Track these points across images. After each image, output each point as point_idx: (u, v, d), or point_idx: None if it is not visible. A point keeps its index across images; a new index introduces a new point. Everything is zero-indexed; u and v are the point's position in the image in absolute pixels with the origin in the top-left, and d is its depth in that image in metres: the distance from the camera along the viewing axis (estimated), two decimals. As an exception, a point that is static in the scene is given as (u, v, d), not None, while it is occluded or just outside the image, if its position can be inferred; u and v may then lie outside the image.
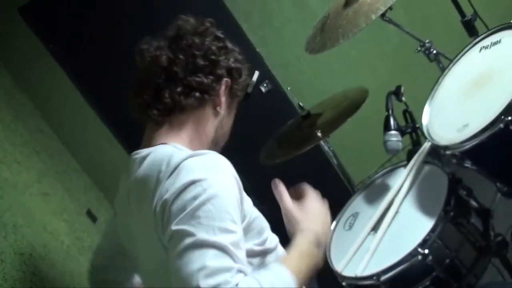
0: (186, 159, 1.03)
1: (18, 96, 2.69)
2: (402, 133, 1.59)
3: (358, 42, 3.23)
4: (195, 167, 1.01)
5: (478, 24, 1.89)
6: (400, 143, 1.58)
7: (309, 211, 1.19)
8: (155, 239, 1.03)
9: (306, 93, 3.19)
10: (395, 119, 1.60)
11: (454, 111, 1.42)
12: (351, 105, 1.89)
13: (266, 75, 3.08)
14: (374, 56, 3.34)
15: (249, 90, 2.98)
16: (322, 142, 2.06)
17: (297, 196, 1.24)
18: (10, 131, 2.14)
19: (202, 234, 0.92)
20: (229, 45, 1.24)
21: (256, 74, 3.00)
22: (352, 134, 3.22)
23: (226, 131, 1.27)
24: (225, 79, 1.20)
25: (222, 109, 1.21)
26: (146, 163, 1.09)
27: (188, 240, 0.92)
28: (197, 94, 1.15)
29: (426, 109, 1.50)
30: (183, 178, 0.99)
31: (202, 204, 0.95)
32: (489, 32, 1.50)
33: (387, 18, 1.86)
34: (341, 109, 1.95)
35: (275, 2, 3.19)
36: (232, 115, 1.28)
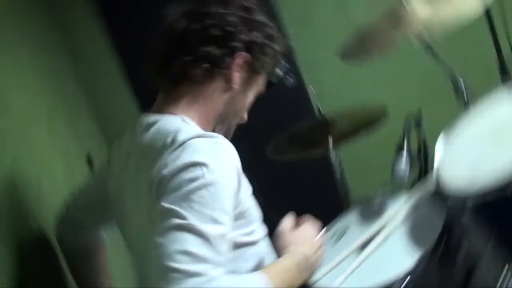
0: (193, 138, 1.00)
1: (52, 32, 2.70)
2: (413, 161, 1.58)
3: (391, 61, 3.21)
4: (200, 149, 0.99)
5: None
6: (408, 172, 1.57)
7: (303, 235, 1.17)
8: (144, 209, 1.02)
9: (328, 97, 3.16)
10: (409, 146, 1.59)
11: (469, 159, 1.37)
12: (368, 121, 1.88)
13: (293, 70, 3.06)
14: (402, 77, 3.29)
15: (274, 80, 2.98)
16: (332, 152, 2.05)
17: (297, 223, 1.22)
18: (35, 60, 2.14)
19: (192, 219, 0.90)
20: (259, 18, 1.16)
21: (285, 67, 2.98)
22: (362, 147, 3.21)
23: (239, 109, 1.21)
24: (241, 52, 1.13)
25: (235, 84, 1.15)
26: (152, 130, 1.08)
27: (177, 221, 0.90)
28: (206, 65, 1.11)
29: (441, 144, 1.47)
30: (185, 157, 0.97)
31: (199, 188, 0.93)
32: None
33: (425, 43, 1.84)
34: (358, 122, 1.94)
35: (320, 1, 3.16)
36: (249, 93, 1.20)
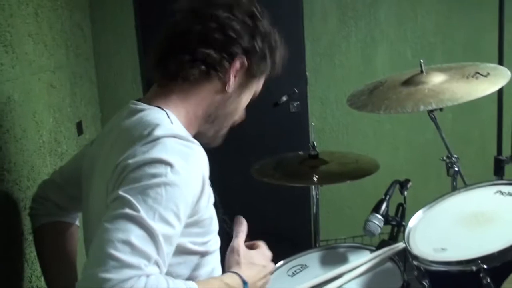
0: (168, 136, 1.00)
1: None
2: (387, 221, 1.60)
3: (395, 119, 3.26)
4: (171, 148, 0.98)
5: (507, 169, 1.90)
6: (379, 229, 1.59)
7: (253, 259, 1.16)
8: (103, 192, 1.02)
9: (326, 135, 3.21)
10: (387, 206, 1.60)
11: (441, 231, 1.42)
12: (357, 171, 1.89)
13: (302, 98, 3.10)
14: (402, 140, 3.34)
15: (280, 101, 3.01)
16: (313, 187, 2.06)
17: (250, 247, 1.21)
18: (56, 15, 2.15)
19: (143, 213, 0.90)
20: (262, 26, 1.17)
21: (295, 92, 3.03)
22: (343, 193, 3.24)
23: (231, 112, 1.20)
24: (240, 57, 1.13)
25: (230, 88, 1.15)
26: (135, 118, 1.07)
27: (128, 211, 0.89)
28: (203, 67, 1.11)
29: (418, 215, 1.50)
30: (154, 152, 0.96)
31: (157, 185, 0.93)
32: (513, 182, 1.51)
33: (433, 116, 1.86)
34: (346, 169, 1.95)
35: (344, 42, 3.21)
36: (243, 96, 1.20)
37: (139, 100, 1.18)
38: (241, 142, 2.98)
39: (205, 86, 1.14)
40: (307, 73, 3.13)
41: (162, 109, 1.11)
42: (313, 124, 2.16)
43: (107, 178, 1.02)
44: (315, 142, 2.03)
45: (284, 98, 3.05)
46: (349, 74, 3.23)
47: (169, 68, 1.12)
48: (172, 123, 1.07)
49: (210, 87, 1.15)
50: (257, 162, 2.06)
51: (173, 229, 0.93)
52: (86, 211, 1.19)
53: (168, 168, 0.95)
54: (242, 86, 1.18)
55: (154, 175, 0.94)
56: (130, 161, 0.97)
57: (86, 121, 2.51)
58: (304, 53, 3.13)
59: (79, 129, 2.36)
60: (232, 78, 1.14)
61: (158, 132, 1.01)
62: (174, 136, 1.01)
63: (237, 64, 1.14)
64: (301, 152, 2.12)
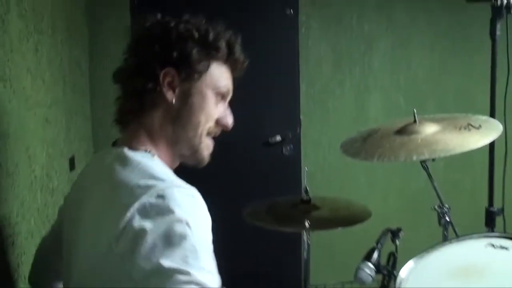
0: (171, 188, 1.00)
1: (80, 23, 2.76)
2: (378, 270, 1.59)
3: (387, 168, 3.28)
4: (181, 204, 0.98)
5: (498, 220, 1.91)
6: (370, 278, 1.58)
7: None
8: (102, 243, 0.98)
9: (318, 179, 3.22)
10: (379, 255, 1.60)
11: (432, 283, 1.41)
12: (349, 218, 1.90)
13: (295, 140, 3.13)
14: (394, 188, 3.36)
15: (272, 141, 3.03)
16: (305, 231, 2.06)
17: None
18: (55, 51, 2.18)
19: (195, 274, 0.91)
20: (178, 29, 1.12)
21: (278, 138, 3.05)
22: (334, 238, 3.22)
23: (189, 123, 1.15)
24: (164, 71, 1.11)
25: (172, 101, 1.12)
26: (131, 168, 1.05)
27: (183, 278, 0.91)
28: (135, 99, 1.13)
29: (410, 265, 1.50)
30: (170, 215, 0.96)
31: (190, 244, 0.94)
32: (504, 235, 1.52)
33: (425, 165, 1.88)
34: (338, 215, 1.95)
35: (339, 87, 3.26)
36: (195, 102, 1.14)
37: (115, 142, 1.19)
38: (232, 181, 2.99)
39: (153, 113, 1.14)
40: (300, 116, 3.17)
41: (143, 151, 1.11)
42: (306, 169, 2.17)
43: (109, 231, 0.98)
44: (307, 187, 2.04)
45: (278, 138, 3.08)
46: (343, 119, 3.27)
47: (121, 110, 1.16)
48: (159, 165, 1.08)
49: (158, 111, 1.14)
50: (248, 204, 2.06)
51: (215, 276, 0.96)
52: (69, 259, 1.13)
53: (190, 224, 0.95)
54: (187, 92, 1.14)
55: (183, 236, 0.94)
56: (147, 225, 0.95)
57: (78, 157, 2.51)
58: (299, 96, 3.17)
59: (72, 165, 2.35)
60: (168, 93, 1.12)
61: (162, 185, 1.00)
62: (177, 187, 1.01)
63: (165, 79, 1.12)
64: (293, 197, 2.13)
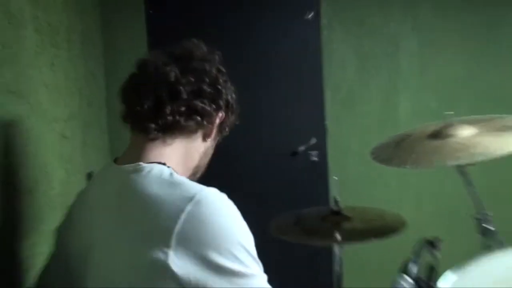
0: (204, 191, 1.06)
1: (94, 34, 2.80)
2: (417, 285, 1.57)
3: (421, 174, 3.24)
4: (220, 203, 1.06)
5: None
6: (408, 293, 1.56)
7: None
8: (135, 256, 1.02)
9: (348, 188, 3.19)
10: (417, 268, 1.58)
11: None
12: (382, 229, 1.87)
13: (321, 147, 3.13)
14: (428, 194, 3.32)
15: (299, 150, 3.03)
16: (336, 244, 2.04)
17: None
18: (71, 64, 2.21)
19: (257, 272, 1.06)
20: (228, 81, 1.29)
21: (313, 140, 3.05)
22: (367, 252, 3.19)
23: (206, 163, 1.32)
24: (222, 111, 1.26)
25: (211, 139, 1.28)
26: (154, 181, 1.07)
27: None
28: (198, 118, 1.20)
29: (451, 277, 1.47)
30: (221, 232, 1.03)
31: (250, 249, 1.06)
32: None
33: (462, 170, 1.86)
34: (371, 225, 1.93)
35: (366, 90, 3.24)
36: (213, 148, 1.33)
37: (115, 160, 1.23)
38: (257, 193, 2.99)
39: (192, 137, 1.23)
40: (326, 122, 3.17)
41: (166, 165, 1.14)
42: (335, 178, 2.16)
43: (148, 243, 1.01)
44: (337, 197, 2.02)
45: (303, 148, 3.07)
46: (371, 124, 3.25)
47: (164, 119, 1.16)
48: (181, 178, 1.11)
49: (196, 138, 1.24)
50: (276, 217, 2.05)
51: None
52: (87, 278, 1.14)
53: (236, 220, 1.06)
54: (215, 138, 1.30)
55: (243, 246, 1.05)
56: (210, 253, 1.01)
57: (96, 171, 2.53)
58: (324, 102, 3.17)
59: (89, 179, 2.38)
60: (214, 130, 1.26)
61: (194, 190, 1.04)
62: (213, 193, 1.07)
63: (220, 117, 1.26)
64: (322, 208, 2.11)
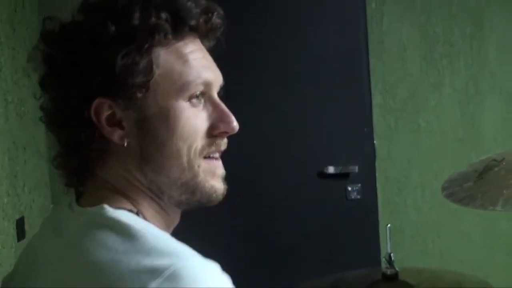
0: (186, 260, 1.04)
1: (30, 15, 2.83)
2: None
3: (502, 217, 3.24)
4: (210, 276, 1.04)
5: None
6: None
7: None
8: None
9: (406, 240, 3.20)
10: None
11: None
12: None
13: (367, 178, 3.12)
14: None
15: (327, 171, 3.05)
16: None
17: None
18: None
19: None
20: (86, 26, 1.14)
21: (354, 168, 3.07)
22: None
23: (170, 164, 1.18)
24: (93, 109, 1.12)
25: (117, 139, 1.15)
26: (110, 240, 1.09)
27: None
28: (74, 156, 1.18)
29: None
30: None
31: None
32: None
33: None
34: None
35: (434, 94, 3.26)
36: (161, 131, 1.16)
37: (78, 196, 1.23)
38: (280, 246, 2.99)
39: (110, 160, 1.18)
40: (374, 141, 3.17)
41: (131, 211, 1.15)
42: (388, 225, 2.17)
43: None
44: (392, 255, 2.03)
45: (332, 169, 3.05)
46: (442, 143, 3.26)
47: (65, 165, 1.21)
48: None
49: (115, 156, 1.18)
50: (304, 281, 2.06)
51: None
52: None
53: None
54: (140, 119, 1.17)
55: None
56: None
57: (30, 218, 2.54)
58: (371, 109, 3.17)
59: (20, 231, 2.39)
60: (107, 130, 1.15)
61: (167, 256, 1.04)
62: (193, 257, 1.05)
63: (100, 116, 1.14)
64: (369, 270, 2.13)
